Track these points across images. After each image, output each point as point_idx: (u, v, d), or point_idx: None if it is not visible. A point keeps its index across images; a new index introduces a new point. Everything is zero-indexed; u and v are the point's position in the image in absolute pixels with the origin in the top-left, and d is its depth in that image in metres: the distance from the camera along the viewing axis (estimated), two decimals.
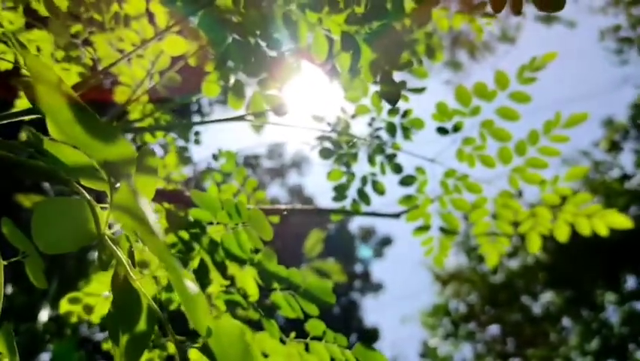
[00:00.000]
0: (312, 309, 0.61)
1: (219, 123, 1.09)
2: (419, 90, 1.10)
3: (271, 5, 0.74)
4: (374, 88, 1.09)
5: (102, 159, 0.21)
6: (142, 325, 0.25)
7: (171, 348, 0.96)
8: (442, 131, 1.09)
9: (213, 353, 0.18)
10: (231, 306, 0.75)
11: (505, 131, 1.04)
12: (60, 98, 0.20)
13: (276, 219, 1.29)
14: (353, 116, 1.24)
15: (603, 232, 1.01)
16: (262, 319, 0.64)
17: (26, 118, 0.87)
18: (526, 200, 1.12)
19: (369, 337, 10.98)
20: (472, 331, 8.50)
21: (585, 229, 1.02)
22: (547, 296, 7.91)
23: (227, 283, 0.76)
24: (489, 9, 0.68)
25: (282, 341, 0.64)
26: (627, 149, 7.35)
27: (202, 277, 0.71)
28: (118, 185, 0.23)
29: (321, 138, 1.22)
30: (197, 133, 1.69)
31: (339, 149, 1.21)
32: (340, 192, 1.21)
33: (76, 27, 1.11)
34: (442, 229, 1.15)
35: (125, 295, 0.25)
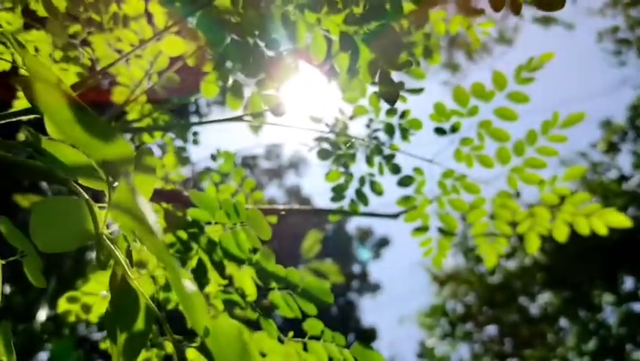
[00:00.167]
0: (311, 308, 0.61)
1: (217, 124, 1.09)
2: (417, 91, 1.10)
3: (270, 5, 0.74)
4: (372, 89, 1.09)
5: (100, 158, 0.21)
6: (140, 324, 0.25)
7: (169, 348, 0.96)
8: (439, 131, 1.10)
9: (211, 352, 0.18)
10: (229, 306, 0.75)
11: (503, 132, 1.04)
12: (58, 96, 0.20)
13: (273, 219, 1.29)
14: (351, 117, 1.24)
15: (602, 231, 1.01)
16: (260, 318, 0.64)
17: (24, 118, 0.87)
18: (524, 200, 1.12)
19: (367, 337, 10.98)
20: (470, 331, 8.51)
21: (584, 229, 1.02)
22: (545, 297, 7.92)
23: (226, 282, 0.76)
24: (487, 13, 0.68)
25: (280, 341, 0.64)
26: (625, 150, 7.38)
27: (200, 276, 0.71)
28: (116, 184, 0.23)
29: (319, 139, 1.22)
30: (195, 133, 1.69)
31: (337, 150, 1.22)
32: (338, 192, 1.21)
33: (75, 27, 1.10)
34: (441, 230, 1.16)
35: (122, 294, 0.25)
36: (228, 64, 0.83)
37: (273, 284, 0.63)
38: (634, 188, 6.88)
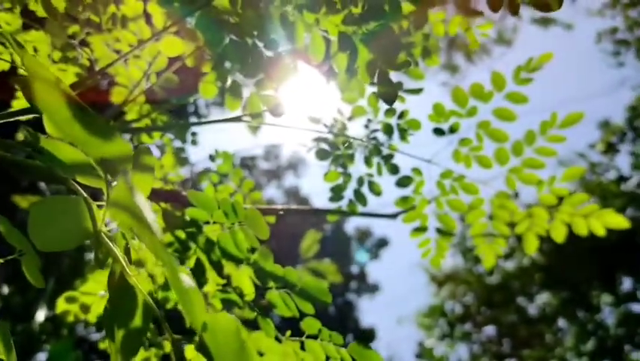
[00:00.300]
0: (308, 308, 0.61)
1: (216, 124, 1.10)
2: (416, 91, 1.10)
3: (268, 6, 0.75)
4: (371, 89, 1.09)
5: (99, 156, 0.21)
6: (138, 321, 0.25)
7: (168, 347, 0.96)
8: (438, 132, 1.10)
9: (209, 348, 0.19)
10: (227, 305, 0.75)
11: (501, 132, 1.04)
12: (57, 95, 0.21)
13: (272, 219, 1.29)
14: (350, 118, 1.24)
15: (600, 232, 1.01)
16: (258, 318, 0.64)
17: (23, 118, 0.87)
18: (523, 201, 1.12)
19: (366, 337, 10.99)
20: (468, 332, 8.52)
21: (582, 229, 1.02)
22: (543, 297, 7.93)
23: (224, 282, 0.76)
24: (486, 14, 0.68)
25: (278, 340, 0.64)
26: (624, 151, 7.40)
27: (198, 276, 0.71)
28: (114, 182, 0.23)
29: (318, 139, 1.22)
30: (193, 134, 1.69)
31: (335, 150, 1.22)
32: (337, 192, 1.21)
33: (74, 28, 1.11)
34: (439, 230, 1.16)
35: (120, 291, 0.25)
36: (227, 64, 0.84)
37: (271, 284, 0.63)
38: (632, 189, 6.90)
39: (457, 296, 8.61)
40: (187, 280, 0.19)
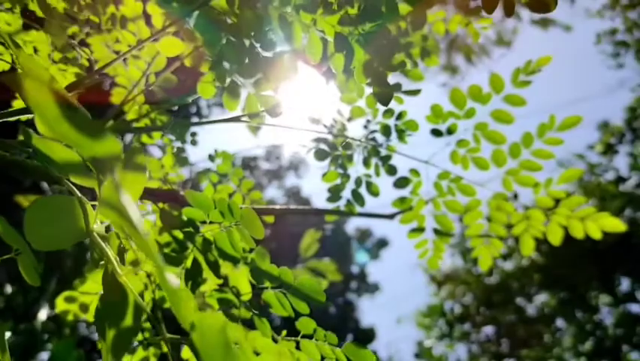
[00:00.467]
0: (303, 307, 0.62)
1: (218, 125, 1.10)
2: (414, 92, 1.11)
3: (266, 6, 0.75)
4: (369, 90, 1.09)
5: (89, 155, 0.22)
6: (128, 320, 0.25)
7: (166, 347, 0.97)
8: (436, 133, 1.10)
9: (197, 347, 0.19)
10: (226, 305, 0.76)
11: (499, 134, 1.04)
12: (47, 94, 0.21)
13: (270, 219, 1.29)
14: (349, 119, 1.24)
15: (596, 235, 1.01)
16: (254, 317, 0.65)
17: (23, 118, 0.87)
18: (522, 202, 1.12)
19: (365, 337, 11.00)
20: (467, 331, 8.52)
21: (578, 232, 1.03)
22: (542, 297, 7.94)
23: (220, 282, 0.76)
24: (485, 14, 0.69)
25: (274, 340, 0.64)
26: (622, 152, 7.40)
27: (195, 275, 0.71)
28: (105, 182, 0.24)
29: (318, 140, 1.23)
30: (193, 134, 1.70)
31: (334, 150, 1.22)
32: (335, 193, 1.22)
33: (73, 28, 1.11)
34: (436, 231, 1.16)
35: (111, 291, 0.26)
36: (225, 65, 0.84)
37: (267, 283, 0.64)
38: (631, 189, 6.91)
39: (457, 296, 8.62)
40: (174, 280, 0.19)
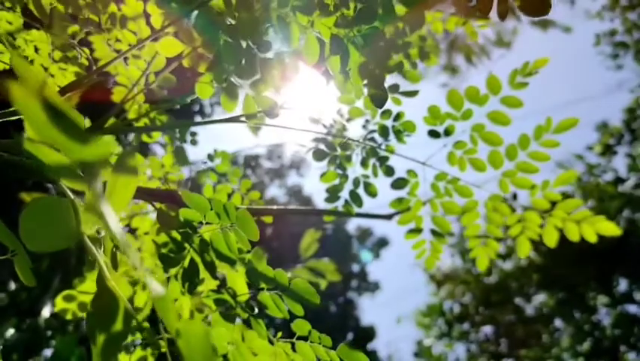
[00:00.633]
0: (298, 309, 0.62)
1: (220, 124, 1.10)
2: (411, 93, 1.11)
3: (264, 8, 0.75)
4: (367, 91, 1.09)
5: (77, 159, 0.22)
6: (117, 325, 0.25)
7: (164, 346, 0.97)
8: (433, 134, 1.10)
9: (182, 353, 0.19)
10: (222, 305, 0.76)
11: (496, 136, 1.05)
12: (35, 99, 0.21)
13: (269, 219, 1.30)
14: (348, 119, 1.25)
15: (592, 238, 1.02)
16: (250, 318, 0.65)
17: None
18: (521, 202, 1.13)
19: (366, 335, 11.02)
20: (466, 331, 8.54)
21: (574, 235, 1.03)
22: (540, 298, 7.96)
23: (218, 283, 0.76)
24: (480, 14, 0.69)
25: (271, 341, 0.64)
26: (621, 153, 7.41)
27: (192, 276, 0.72)
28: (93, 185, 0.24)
29: (317, 140, 1.23)
30: (193, 134, 1.70)
31: (333, 151, 1.22)
32: (333, 193, 1.22)
33: (74, 28, 1.11)
34: (434, 232, 1.16)
35: (101, 295, 0.26)
36: (223, 65, 0.84)
37: (263, 285, 0.64)
38: (629, 190, 6.91)
39: (456, 296, 8.63)
40: (158, 287, 0.19)
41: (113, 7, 1.13)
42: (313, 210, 1.56)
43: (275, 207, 1.19)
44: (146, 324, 0.90)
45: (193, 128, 1.74)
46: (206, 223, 0.69)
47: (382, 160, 1.15)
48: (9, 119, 0.83)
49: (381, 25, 0.68)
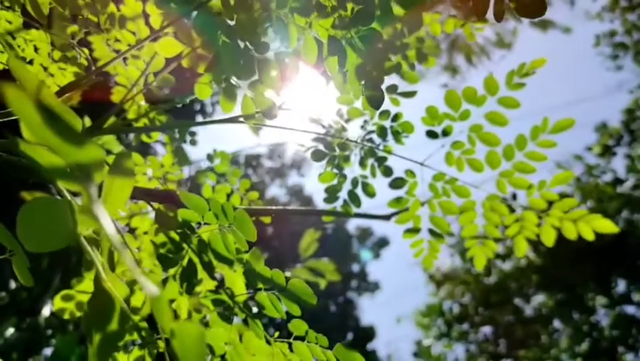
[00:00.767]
0: (295, 309, 0.62)
1: (221, 124, 1.10)
2: (409, 94, 1.11)
3: (262, 9, 0.75)
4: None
5: (72, 161, 0.22)
6: (113, 326, 0.26)
7: (162, 346, 0.97)
8: (431, 134, 1.11)
9: (176, 353, 0.20)
10: (220, 306, 0.76)
11: (493, 136, 1.05)
12: (29, 101, 0.21)
13: (268, 219, 1.30)
14: (347, 120, 1.25)
15: (589, 236, 1.02)
16: (248, 319, 0.65)
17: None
18: (520, 202, 1.13)
19: (365, 335, 11.03)
20: (465, 331, 8.55)
21: (571, 234, 1.04)
22: (539, 298, 7.97)
23: (216, 283, 0.77)
24: (476, 16, 0.69)
25: (268, 341, 0.65)
26: (620, 154, 7.42)
27: (190, 276, 0.72)
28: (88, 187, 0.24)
29: (317, 140, 1.23)
30: (192, 134, 1.70)
31: (331, 151, 1.23)
32: (332, 193, 1.22)
33: (73, 28, 1.11)
34: (432, 232, 1.17)
35: (97, 296, 0.26)
36: (222, 66, 0.84)
37: (260, 285, 0.64)
38: (628, 191, 6.92)
39: (455, 296, 8.64)
40: (152, 287, 0.20)
41: (112, 8, 1.13)
42: (312, 211, 1.56)
43: (274, 207, 1.19)
44: (144, 324, 0.91)
45: (192, 128, 1.75)
46: (205, 224, 0.69)
47: (380, 160, 1.15)
48: (7, 119, 0.83)
49: (378, 27, 0.68)
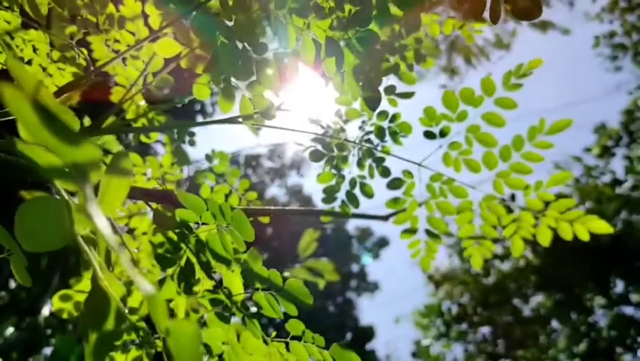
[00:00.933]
0: (292, 309, 0.63)
1: (220, 124, 1.10)
2: (407, 95, 1.11)
3: (260, 9, 0.76)
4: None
5: (69, 161, 0.22)
6: (109, 325, 0.26)
7: (160, 346, 0.98)
8: (429, 135, 1.11)
9: (172, 352, 0.20)
10: (218, 305, 0.77)
11: (490, 137, 1.05)
12: (27, 101, 0.22)
13: (266, 219, 1.30)
14: (345, 121, 1.25)
15: (585, 237, 1.03)
16: (245, 318, 0.66)
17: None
18: (518, 203, 1.13)
19: (364, 335, 11.03)
20: (464, 331, 8.56)
21: (567, 234, 1.04)
22: (538, 299, 7.98)
23: (214, 283, 0.77)
24: (472, 18, 0.69)
25: (265, 341, 0.65)
26: (619, 154, 7.43)
27: (188, 276, 0.72)
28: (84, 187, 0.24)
29: (315, 141, 1.24)
30: (191, 134, 1.71)
31: (330, 152, 1.23)
32: (330, 194, 1.23)
33: (72, 28, 1.12)
34: (429, 232, 1.17)
35: (93, 295, 0.26)
36: (220, 66, 0.85)
37: (257, 285, 0.65)
38: (627, 192, 6.93)
39: (454, 296, 8.64)
40: (147, 286, 0.20)
41: (111, 8, 1.13)
42: (310, 211, 1.57)
43: (272, 207, 1.19)
44: (142, 324, 0.91)
45: (191, 129, 1.75)
46: (203, 224, 0.70)
47: (378, 161, 1.16)
48: (5, 119, 0.83)
49: (376, 29, 0.68)
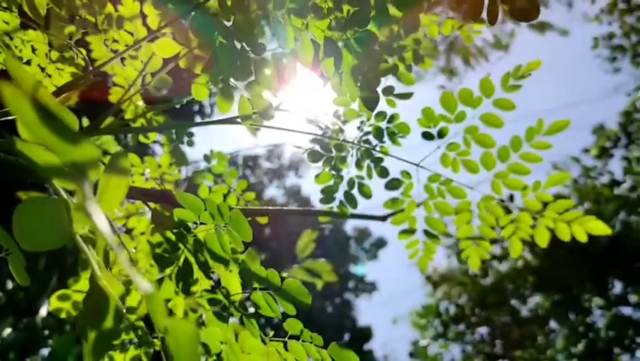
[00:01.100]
0: (290, 308, 0.63)
1: (218, 124, 1.10)
2: (406, 95, 1.12)
3: (259, 10, 0.76)
4: None
5: (68, 160, 0.23)
6: (107, 324, 0.26)
7: (158, 345, 0.98)
8: (427, 136, 1.11)
9: (170, 350, 0.20)
10: (216, 305, 0.77)
11: (488, 137, 1.06)
12: (26, 100, 0.22)
13: (264, 220, 1.30)
14: (344, 121, 1.26)
15: (582, 237, 1.03)
16: (244, 318, 0.66)
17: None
18: (516, 204, 1.13)
19: (362, 336, 11.04)
20: (462, 332, 8.57)
21: (565, 235, 1.04)
22: (536, 299, 7.99)
23: (212, 283, 0.77)
24: (470, 19, 0.70)
25: (263, 340, 0.65)
26: (617, 156, 7.45)
27: (186, 275, 0.72)
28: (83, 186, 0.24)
29: (314, 141, 1.24)
30: (190, 134, 1.71)
31: (328, 152, 1.23)
32: (328, 194, 1.23)
33: (70, 28, 1.12)
34: (427, 233, 1.17)
35: (92, 294, 0.27)
36: (219, 66, 0.85)
37: (255, 284, 0.65)
38: (625, 193, 6.95)
39: (452, 297, 8.65)
40: (146, 285, 0.20)
41: (109, 8, 1.13)
42: (308, 211, 1.57)
43: (271, 207, 1.20)
44: (141, 323, 0.91)
45: (190, 129, 1.75)
46: (201, 223, 0.70)
47: (377, 161, 1.16)
48: (4, 119, 0.83)
49: (374, 29, 0.69)
